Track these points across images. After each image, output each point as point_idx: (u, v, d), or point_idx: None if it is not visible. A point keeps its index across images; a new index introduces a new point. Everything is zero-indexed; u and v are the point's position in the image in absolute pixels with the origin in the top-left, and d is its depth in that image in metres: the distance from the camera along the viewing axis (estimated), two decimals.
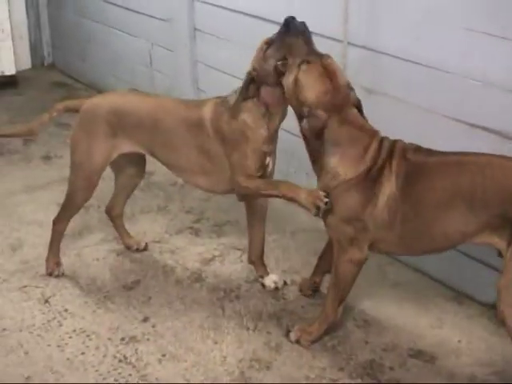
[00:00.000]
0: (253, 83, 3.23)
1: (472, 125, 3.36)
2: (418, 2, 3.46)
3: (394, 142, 3.01)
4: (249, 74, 3.25)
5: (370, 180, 2.95)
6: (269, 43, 3.18)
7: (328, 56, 3.08)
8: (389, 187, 2.92)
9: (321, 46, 3.85)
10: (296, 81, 3.01)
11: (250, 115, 3.26)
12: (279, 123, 3.32)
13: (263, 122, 3.26)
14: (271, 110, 3.25)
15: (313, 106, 2.95)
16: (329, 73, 3.00)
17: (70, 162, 3.62)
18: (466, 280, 3.59)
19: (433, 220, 2.89)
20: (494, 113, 3.28)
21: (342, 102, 2.99)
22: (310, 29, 3.08)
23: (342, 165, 2.97)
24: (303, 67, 3.01)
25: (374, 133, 3.02)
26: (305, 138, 3.06)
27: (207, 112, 3.38)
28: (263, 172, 3.35)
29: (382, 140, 3.00)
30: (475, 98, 3.33)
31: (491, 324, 3.42)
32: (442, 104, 3.48)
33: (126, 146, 3.54)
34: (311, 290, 3.59)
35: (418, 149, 2.98)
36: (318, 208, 3.05)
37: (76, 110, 3.61)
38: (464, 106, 3.39)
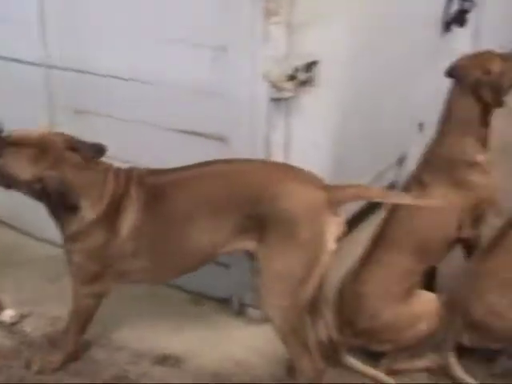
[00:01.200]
0: None
1: (185, 131, 3.44)
2: (114, 18, 3.48)
3: (129, 170, 2.99)
4: None
5: (112, 214, 2.91)
6: None
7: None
8: (131, 216, 2.90)
9: (20, 72, 3.78)
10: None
11: None
12: None
13: None
14: None
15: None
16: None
17: None
18: (200, 281, 3.67)
19: (182, 237, 2.90)
20: (202, 117, 3.38)
21: (56, 157, 2.87)
22: None
23: (86, 207, 2.90)
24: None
25: (106, 166, 2.97)
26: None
27: None
28: None
29: (117, 171, 2.97)
30: (183, 106, 3.41)
31: (230, 319, 3.56)
32: (151, 115, 3.53)
33: None
34: None
35: (152, 171, 2.99)
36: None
37: None
38: (174, 115, 3.46)
